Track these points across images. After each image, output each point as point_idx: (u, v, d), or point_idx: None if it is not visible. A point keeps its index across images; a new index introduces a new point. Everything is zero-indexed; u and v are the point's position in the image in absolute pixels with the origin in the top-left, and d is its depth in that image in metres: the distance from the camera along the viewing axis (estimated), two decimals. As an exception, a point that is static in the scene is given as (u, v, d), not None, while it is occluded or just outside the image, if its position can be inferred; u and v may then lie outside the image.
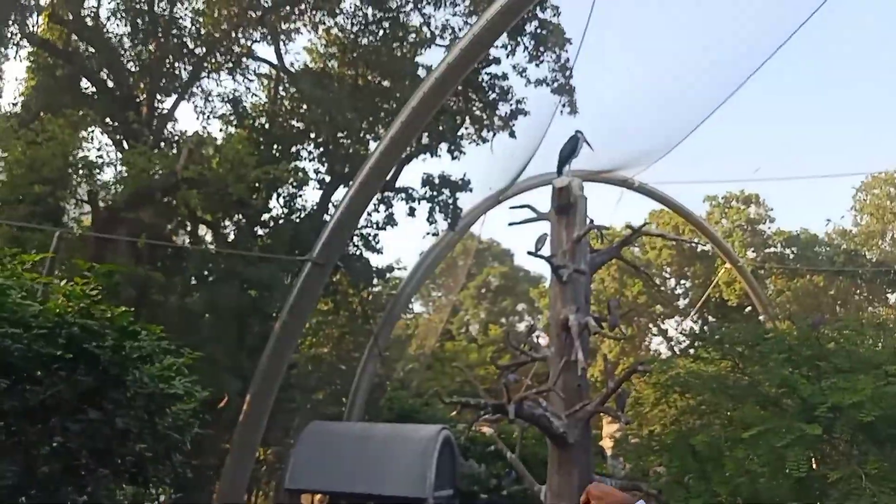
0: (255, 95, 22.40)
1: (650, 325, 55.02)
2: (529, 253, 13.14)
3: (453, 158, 22.69)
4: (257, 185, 16.54)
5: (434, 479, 18.66)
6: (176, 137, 15.80)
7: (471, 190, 23.53)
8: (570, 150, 14.04)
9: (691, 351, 15.10)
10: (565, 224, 13.53)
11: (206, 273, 18.90)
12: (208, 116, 20.04)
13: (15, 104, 20.19)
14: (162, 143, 16.89)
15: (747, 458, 11.10)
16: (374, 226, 24.36)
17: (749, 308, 41.30)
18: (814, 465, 10.92)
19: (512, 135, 24.11)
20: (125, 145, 16.48)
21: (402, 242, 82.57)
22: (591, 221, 13.47)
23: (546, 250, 13.37)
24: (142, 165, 14.38)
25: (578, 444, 12.50)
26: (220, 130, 20.70)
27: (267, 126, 21.74)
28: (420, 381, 35.25)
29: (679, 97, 25.42)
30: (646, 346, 54.69)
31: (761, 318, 37.25)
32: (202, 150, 16.11)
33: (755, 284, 38.38)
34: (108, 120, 17.97)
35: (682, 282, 53.31)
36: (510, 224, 14.32)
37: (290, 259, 17.20)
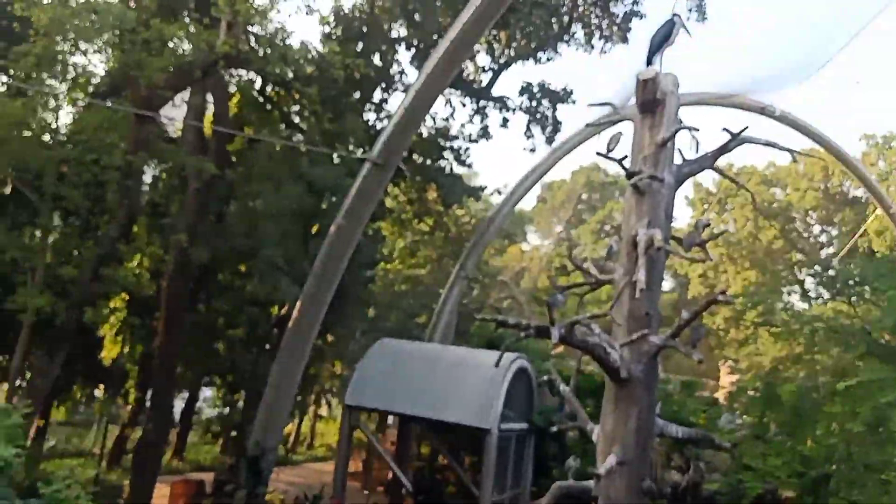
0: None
1: (787, 274, 50.20)
2: (599, 154, 11.13)
3: (548, 60, 20.44)
4: (310, 71, 15.20)
5: (501, 410, 17.31)
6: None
7: (573, 102, 21.25)
8: (664, 35, 11.68)
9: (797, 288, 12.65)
10: (649, 125, 11.38)
11: (271, 172, 18.14)
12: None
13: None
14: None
15: (846, 415, 8.90)
16: (467, 138, 22.71)
17: (905, 262, 36.30)
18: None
19: (625, 40, 21.43)
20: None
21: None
22: (681, 122, 11.26)
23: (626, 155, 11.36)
24: (172, 34, 13.43)
25: (639, 380, 10.65)
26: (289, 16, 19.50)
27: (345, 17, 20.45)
28: (520, 312, 33.75)
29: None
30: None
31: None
32: (243, 23, 14.90)
33: (910, 233, 33.54)
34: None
35: (828, 228, 47.98)
36: (587, 125, 12.34)
37: (350, 157, 16.02)
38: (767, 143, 11.93)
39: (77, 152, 14.31)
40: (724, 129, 11.17)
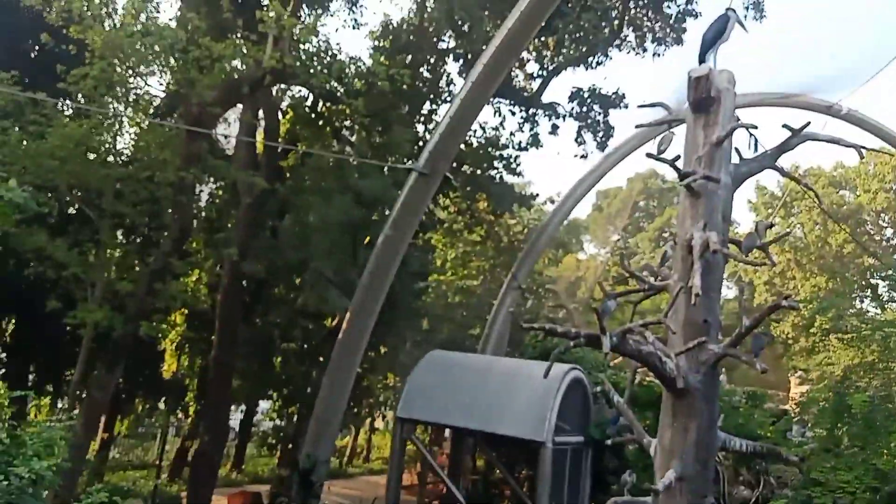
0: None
1: (858, 279, 47.89)
2: (649, 155, 10.72)
3: (598, 65, 20.05)
4: (352, 81, 15.26)
5: (556, 423, 16.91)
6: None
7: (625, 106, 20.80)
8: (717, 31, 11.15)
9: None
10: (703, 124, 10.92)
11: (321, 185, 18.28)
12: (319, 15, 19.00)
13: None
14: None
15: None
16: (517, 146, 22.45)
17: None
18: None
19: (679, 42, 20.87)
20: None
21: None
22: (738, 120, 10.77)
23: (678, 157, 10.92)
24: (221, 52, 13.57)
25: (698, 391, 10.13)
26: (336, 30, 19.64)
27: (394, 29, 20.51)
28: (575, 322, 33.11)
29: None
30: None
31: None
32: (290, 38, 14.99)
33: None
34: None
35: (902, 231, 45.75)
36: (637, 126, 11.95)
37: (396, 167, 15.97)
38: (831, 140, 11.29)
39: (132, 170, 14.69)
40: (784, 126, 10.65)
